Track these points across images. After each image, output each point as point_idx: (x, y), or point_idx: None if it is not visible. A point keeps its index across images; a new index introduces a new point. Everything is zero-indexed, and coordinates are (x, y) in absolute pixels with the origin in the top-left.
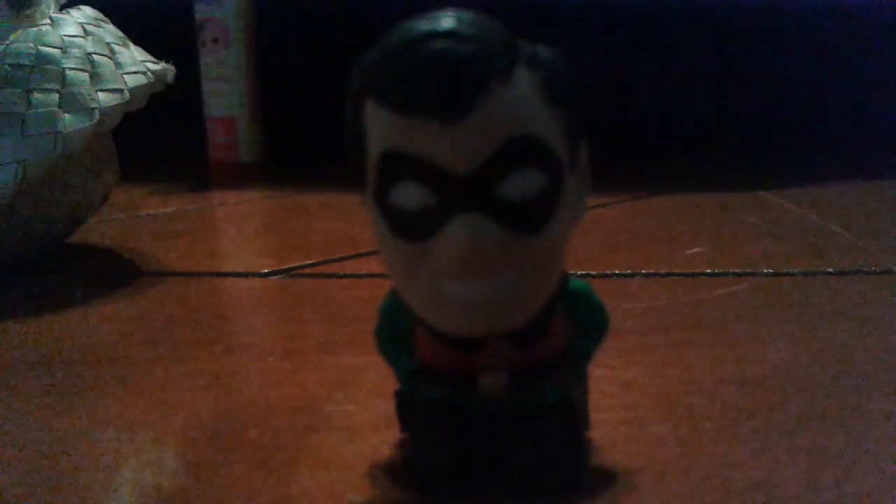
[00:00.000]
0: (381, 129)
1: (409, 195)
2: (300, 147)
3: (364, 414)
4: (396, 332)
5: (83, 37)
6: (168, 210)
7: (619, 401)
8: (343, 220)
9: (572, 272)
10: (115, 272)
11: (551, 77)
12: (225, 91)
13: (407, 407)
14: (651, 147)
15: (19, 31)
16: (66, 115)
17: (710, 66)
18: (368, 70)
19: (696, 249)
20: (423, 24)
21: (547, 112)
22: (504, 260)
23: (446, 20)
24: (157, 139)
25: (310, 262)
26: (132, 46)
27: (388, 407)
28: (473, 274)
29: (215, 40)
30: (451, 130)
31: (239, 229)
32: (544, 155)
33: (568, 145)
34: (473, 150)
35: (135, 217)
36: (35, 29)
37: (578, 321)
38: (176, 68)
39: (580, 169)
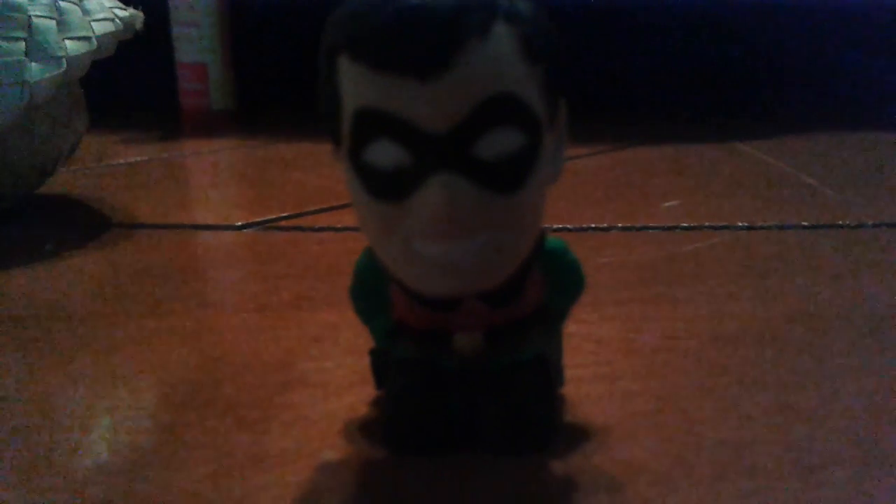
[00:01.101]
0: (355, 85)
1: (385, 154)
2: (274, 94)
3: (339, 371)
4: (371, 290)
5: None
6: (139, 159)
7: (593, 357)
8: (318, 170)
9: (549, 226)
10: (85, 224)
11: (530, 33)
12: (195, 36)
13: (382, 365)
14: (628, 97)
15: None
16: (33, 63)
17: (689, 18)
18: (342, 25)
19: (672, 202)
20: None
21: (525, 69)
22: (481, 220)
23: None
24: (126, 85)
25: (284, 214)
26: None
27: (363, 364)
28: (450, 235)
29: None
30: (427, 88)
31: (211, 179)
32: (522, 114)
33: (546, 103)
34: (450, 108)
35: (105, 167)
36: None
37: (554, 280)
38: (145, 13)
39: (558, 127)
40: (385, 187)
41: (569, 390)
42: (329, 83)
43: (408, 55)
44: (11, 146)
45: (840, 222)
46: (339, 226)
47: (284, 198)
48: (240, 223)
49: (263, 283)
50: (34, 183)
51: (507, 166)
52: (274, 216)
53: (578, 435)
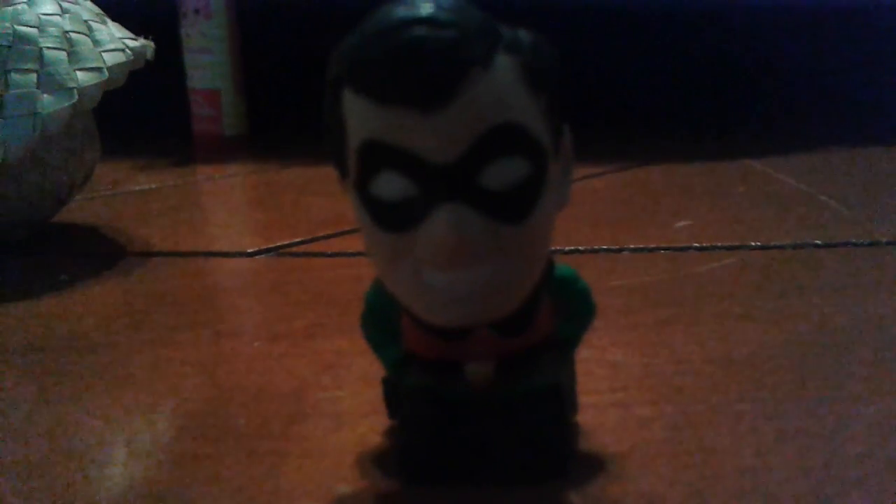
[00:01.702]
0: (360, 118)
1: (391, 186)
2: (286, 119)
3: (352, 400)
4: (382, 320)
5: (60, 15)
6: (152, 186)
7: (607, 383)
8: (329, 195)
9: (560, 247)
10: (99, 253)
11: (532, 62)
12: (208, 63)
13: (394, 394)
14: (640, 116)
15: None
16: (45, 95)
17: (699, 35)
18: (346, 58)
19: (684, 222)
20: (402, 10)
21: (528, 98)
22: (488, 250)
23: (425, 5)
24: (140, 112)
25: (297, 240)
26: (110, 23)
27: (376, 393)
28: (457, 265)
29: (196, 11)
30: (431, 120)
31: (224, 206)
32: (526, 143)
33: (550, 131)
34: (454, 139)
35: (119, 194)
36: (11, 8)
37: (565, 308)
38: (157, 40)
39: (563, 155)
40: (392, 218)
41: (584, 418)
42: (334, 116)
43: (410, 87)
44: (25, 177)
45: (854, 240)
46: (351, 250)
47: (297, 223)
48: (251, 250)
49: (276, 310)
50: (48, 212)
51: (514, 195)
52: (286, 242)
53: (594, 464)
